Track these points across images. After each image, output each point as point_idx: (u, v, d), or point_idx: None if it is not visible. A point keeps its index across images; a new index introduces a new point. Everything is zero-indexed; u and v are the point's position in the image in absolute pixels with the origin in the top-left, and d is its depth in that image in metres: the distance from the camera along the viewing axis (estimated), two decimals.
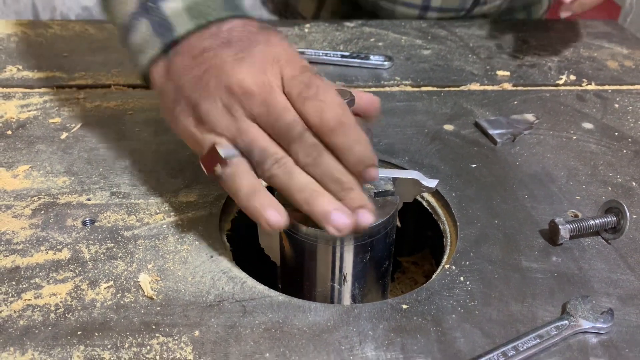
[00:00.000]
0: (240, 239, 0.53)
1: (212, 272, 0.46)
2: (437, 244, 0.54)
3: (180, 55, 0.46)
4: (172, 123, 0.47)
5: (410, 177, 0.48)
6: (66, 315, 0.42)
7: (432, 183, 0.48)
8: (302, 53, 0.78)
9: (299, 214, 0.43)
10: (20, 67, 0.76)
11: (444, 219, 0.54)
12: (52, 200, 0.53)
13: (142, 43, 0.47)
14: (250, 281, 0.45)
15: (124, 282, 0.45)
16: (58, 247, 0.48)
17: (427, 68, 0.78)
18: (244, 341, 0.40)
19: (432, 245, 0.64)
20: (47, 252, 0.47)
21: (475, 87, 0.74)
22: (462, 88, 0.74)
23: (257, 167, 0.43)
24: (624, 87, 0.75)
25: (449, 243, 0.52)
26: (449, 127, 0.65)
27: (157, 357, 0.39)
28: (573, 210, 0.53)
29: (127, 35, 0.48)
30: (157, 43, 0.47)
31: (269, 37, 0.45)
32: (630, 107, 0.71)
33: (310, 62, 0.46)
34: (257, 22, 0.47)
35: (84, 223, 0.50)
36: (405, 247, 0.68)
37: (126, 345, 0.40)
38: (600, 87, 0.75)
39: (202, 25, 0.46)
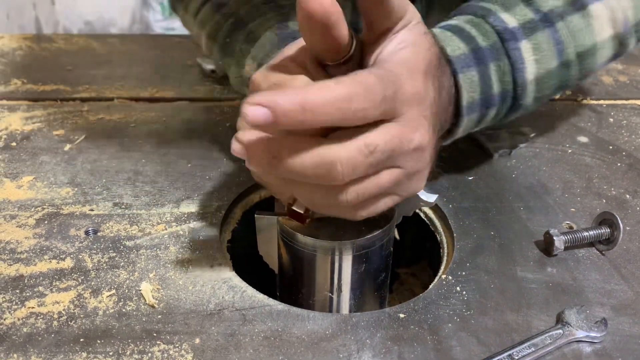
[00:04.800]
0: (240, 249, 0.54)
1: (213, 281, 0.46)
2: (435, 256, 0.55)
3: None
4: None
5: None
6: (69, 322, 0.42)
7: (432, 198, 0.48)
8: None
9: (294, 224, 0.44)
10: (25, 80, 0.77)
11: (441, 230, 0.55)
12: (55, 211, 0.53)
13: None
14: (250, 290, 0.46)
15: (126, 291, 0.45)
16: (61, 256, 0.48)
17: None
18: (243, 349, 0.41)
19: (430, 256, 0.65)
20: (50, 261, 0.48)
21: None
22: None
23: None
24: (619, 102, 0.77)
25: (445, 254, 0.52)
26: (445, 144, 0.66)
27: None
28: (568, 222, 0.54)
29: None
30: None
31: None
32: (625, 121, 0.72)
33: None
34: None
35: (86, 233, 0.51)
36: (403, 259, 0.69)
37: (128, 353, 0.40)
38: (595, 102, 0.77)
39: None
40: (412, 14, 0.40)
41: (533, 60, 0.49)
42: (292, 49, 0.41)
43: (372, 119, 0.35)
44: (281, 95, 0.32)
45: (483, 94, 0.48)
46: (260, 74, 0.40)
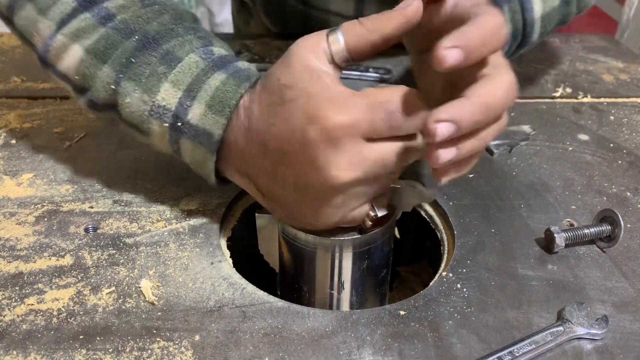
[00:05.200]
0: (240, 246, 0.53)
1: (213, 278, 0.46)
2: (436, 254, 0.55)
3: (243, 146, 0.44)
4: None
5: (409, 187, 0.49)
6: (68, 319, 0.42)
7: (431, 192, 0.49)
8: None
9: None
10: (25, 78, 0.77)
11: (442, 227, 0.55)
12: (55, 208, 0.53)
13: (197, 161, 0.46)
14: (250, 287, 0.46)
15: (126, 288, 0.45)
16: (61, 253, 0.48)
17: None
18: (243, 346, 0.41)
19: (431, 254, 0.64)
20: (50, 258, 0.48)
21: None
22: None
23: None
24: (619, 100, 0.77)
25: (446, 251, 0.52)
26: None
27: None
28: (568, 220, 0.54)
29: (180, 158, 0.48)
30: (208, 154, 0.45)
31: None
32: (625, 119, 0.72)
33: None
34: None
35: (86, 230, 0.51)
36: (403, 257, 0.69)
37: (127, 350, 0.40)
38: (595, 100, 0.76)
39: (230, 114, 0.44)
40: None
41: None
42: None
43: None
44: (464, 35, 0.36)
45: None
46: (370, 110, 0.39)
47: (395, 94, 0.38)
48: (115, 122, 0.49)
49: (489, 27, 0.37)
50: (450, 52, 0.35)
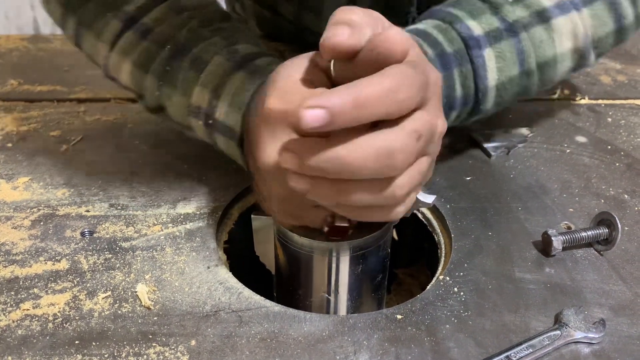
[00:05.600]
0: (237, 250, 0.53)
1: (209, 282, 0.46)
2: (433, 257, 0.54)
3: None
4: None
5: None
6: (64, 325, 0.42)
7: (430, 199, 0.48)
8: None
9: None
10: (22, 81, 0.77)
11: (439, 230, 0.55)
12: (51, 212, 0.53)
13: (231, 153, 0.50)
14: (247, 292, 0.46)
15: (122, 293, 0.45)
16: (57, 257, 0.48)
17: None
18: (240, 351, 0.41)
19: (428, 257, 0.64)
20: (45, 263, 0.48)
21: None
22: None
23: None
24: (617, 102, 0.77)
25: (443, 254, 0.52)
26: (444, 140, 0.66)
27: None
28: (566, 222, 0.54)
29: (217, 148, 0.51)
30: (235, 147, 0.48)
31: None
32: (623, 121, 0.72)
33: None
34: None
35: (82, 234, 0.51)
36: (401, 259, 0.69)
37: (123, 355, 0.40)
38: (593, 101, 0.76)
39: (245, 111, 0.46)
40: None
41: (495, 67, 0.51)
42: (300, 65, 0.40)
43: (412, 108, 0.35)
44: (335, 94, 0.32)
45: (447, 98, 0.50)
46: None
47: None
48: (168, 120, 0.54)
49: (375, 89, 0.32)
50: (310, 113, 0.31)
